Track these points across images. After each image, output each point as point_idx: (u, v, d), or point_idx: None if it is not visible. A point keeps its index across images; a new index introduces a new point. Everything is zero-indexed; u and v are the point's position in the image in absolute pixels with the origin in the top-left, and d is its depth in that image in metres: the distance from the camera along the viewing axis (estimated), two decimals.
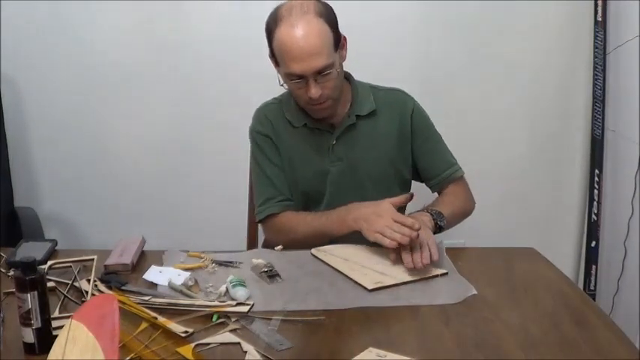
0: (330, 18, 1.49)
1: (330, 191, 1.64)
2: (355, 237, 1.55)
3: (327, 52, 1.47)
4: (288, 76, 1.51)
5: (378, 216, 1.43)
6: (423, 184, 1.75)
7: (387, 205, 1.46)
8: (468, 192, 1.72)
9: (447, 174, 1.68)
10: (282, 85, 1.56)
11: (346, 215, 1.50)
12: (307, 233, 1.56)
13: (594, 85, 2.29)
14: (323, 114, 1.59)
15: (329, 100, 1.54)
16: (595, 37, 2.25)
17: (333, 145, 1.63)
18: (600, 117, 2.28)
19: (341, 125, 1.63)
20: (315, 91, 1.48)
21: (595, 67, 2.27)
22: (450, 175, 1.68)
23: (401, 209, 1.73)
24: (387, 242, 1.38)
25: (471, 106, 2.38)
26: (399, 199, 1.50)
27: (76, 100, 2.33)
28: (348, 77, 1.66)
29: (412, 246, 1.38)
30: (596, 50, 2.26)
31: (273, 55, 1.54)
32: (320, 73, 1.48)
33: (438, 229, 1.52)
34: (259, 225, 1.85)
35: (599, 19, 2.22)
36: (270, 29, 1.50)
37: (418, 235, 1.37)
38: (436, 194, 1.72)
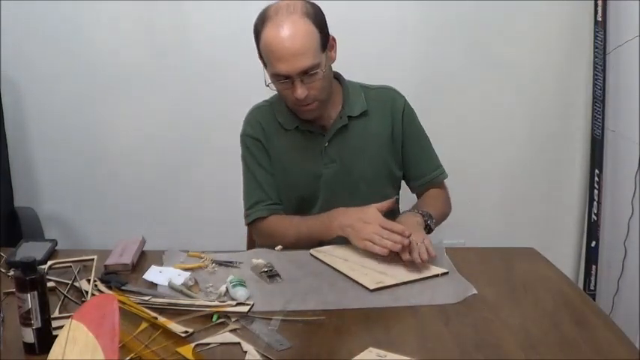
0: (317, 18, 1.49)
1: (324, 194, 1.64)
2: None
3: (313, 52, 1.46)
4: (275, 77, 1.50)
5: (365, 222, 1.43)
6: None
7: (373, 211, 1.45)
8: (447, 196, 1.73)
9: (432, 176, 1.69)
10: (267, 86, 1.55)
11: (331, 222, 1.49)
12: (295, 237, 1.55)
13: (594, 85, 2.29)
14: (310, 115, 1.58)
15: (316, 102, 1.53)
16: (595, 37, 2.25)
17: (326, 147, 1.62)
18: (600, 117, 2.29)
19: (333, 127, 1.62)
20: (300, 92, 1.47)
21: (595, 67, 2.27)
22: (434, 178, 1.69)
23: (393, 212, 1.73)
24: (377, 250, 1.38)
25: (471, 106, 2.38)
26: (385, 204, 1.48)
27: (76, 100, 2.34)
28: (338, 78, 1.65)
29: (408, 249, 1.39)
30: (596, 50, 2.26)
31: (261, 56, 1.53)
32: (306, 74, 1.47)
33: (427, 229, 1.53)
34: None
35: (599, 19, 2.22)
36: (258, 30, 1.49)
37: (410, 241, 1.37)
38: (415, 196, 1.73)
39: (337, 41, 1.57)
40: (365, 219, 1.43)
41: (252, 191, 1.66)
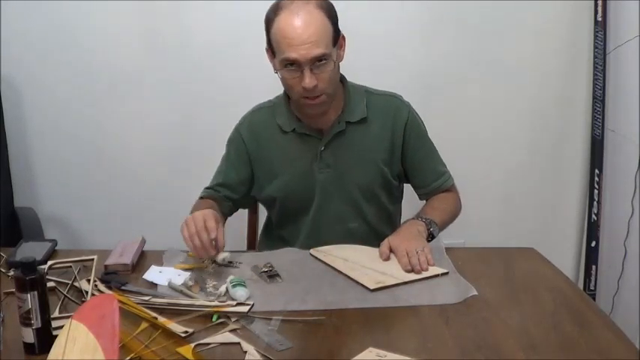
0: (331, 14, 1.49)
1: (318, 198, 1.63)
2: (351, 238, 1.57)
3: (325, 42, 1.46)
4: (284, 64, 1.48)
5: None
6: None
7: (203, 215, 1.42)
8: (457, 198, 1.73)
9: (435, 185, 1.68)
10: (276, 72, 1.52)
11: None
12: None
13: (594, 85, 2.29)
14: (316, 110, 1.55)
15: (323, 95, 1.51)
16: (595, 37, 2.25)
17: (322, 152, 1.60)
18: (600, 117, 2.28)
19: (330, 131, 1.60)
20: (309, 81, 1.45)
21: (595, 67, 2.27)
22: (439, 187, 1.68)
23: (395, 217, 1.74)
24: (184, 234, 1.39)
25: (472, 106, 2.38)
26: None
27: (76, 100, 2.33)
28: (342, 81, 1.63)
29: (408, 252, 1.40)
30: (596, 50, 2.26)
31: (270, 46, 1.52)
32: (316, 63, 1.46)
33: (430, 237, 1.52)
34: (259, 225, 1.88)
35: (599, 19, 2.22)
36: (270, 18, 1.49)
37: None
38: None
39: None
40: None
41: (217, 175, 1.72)
